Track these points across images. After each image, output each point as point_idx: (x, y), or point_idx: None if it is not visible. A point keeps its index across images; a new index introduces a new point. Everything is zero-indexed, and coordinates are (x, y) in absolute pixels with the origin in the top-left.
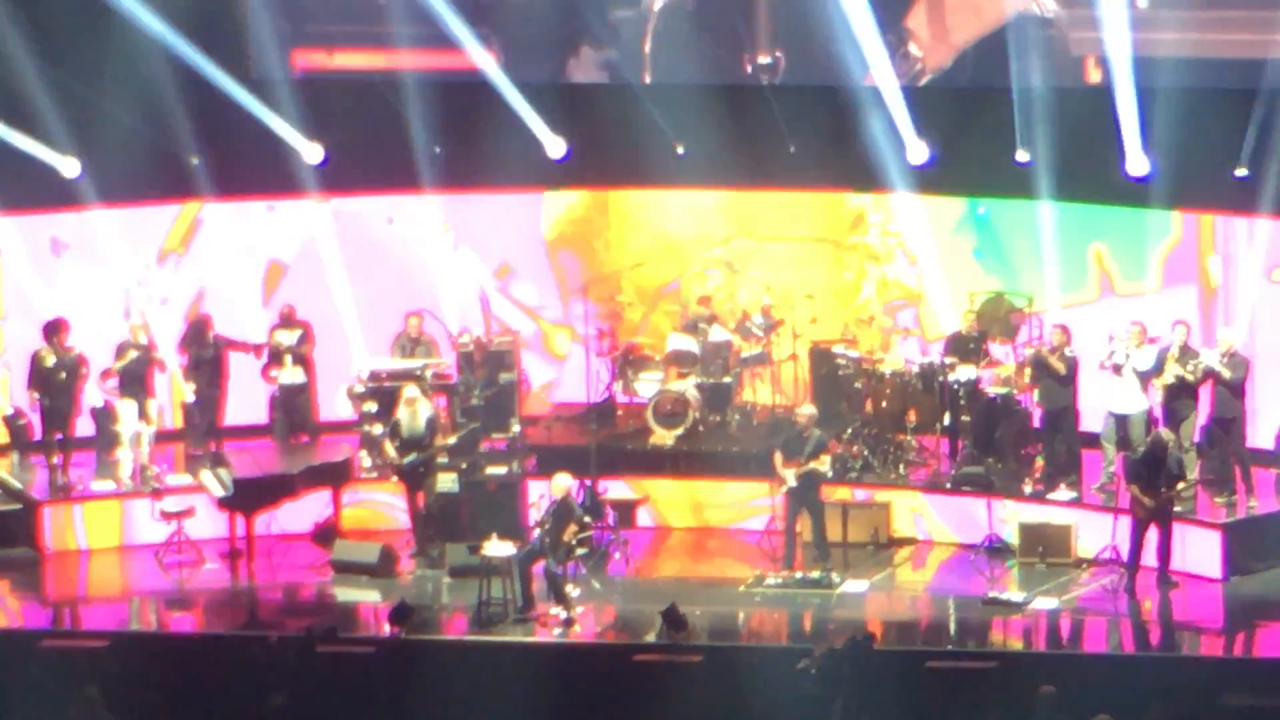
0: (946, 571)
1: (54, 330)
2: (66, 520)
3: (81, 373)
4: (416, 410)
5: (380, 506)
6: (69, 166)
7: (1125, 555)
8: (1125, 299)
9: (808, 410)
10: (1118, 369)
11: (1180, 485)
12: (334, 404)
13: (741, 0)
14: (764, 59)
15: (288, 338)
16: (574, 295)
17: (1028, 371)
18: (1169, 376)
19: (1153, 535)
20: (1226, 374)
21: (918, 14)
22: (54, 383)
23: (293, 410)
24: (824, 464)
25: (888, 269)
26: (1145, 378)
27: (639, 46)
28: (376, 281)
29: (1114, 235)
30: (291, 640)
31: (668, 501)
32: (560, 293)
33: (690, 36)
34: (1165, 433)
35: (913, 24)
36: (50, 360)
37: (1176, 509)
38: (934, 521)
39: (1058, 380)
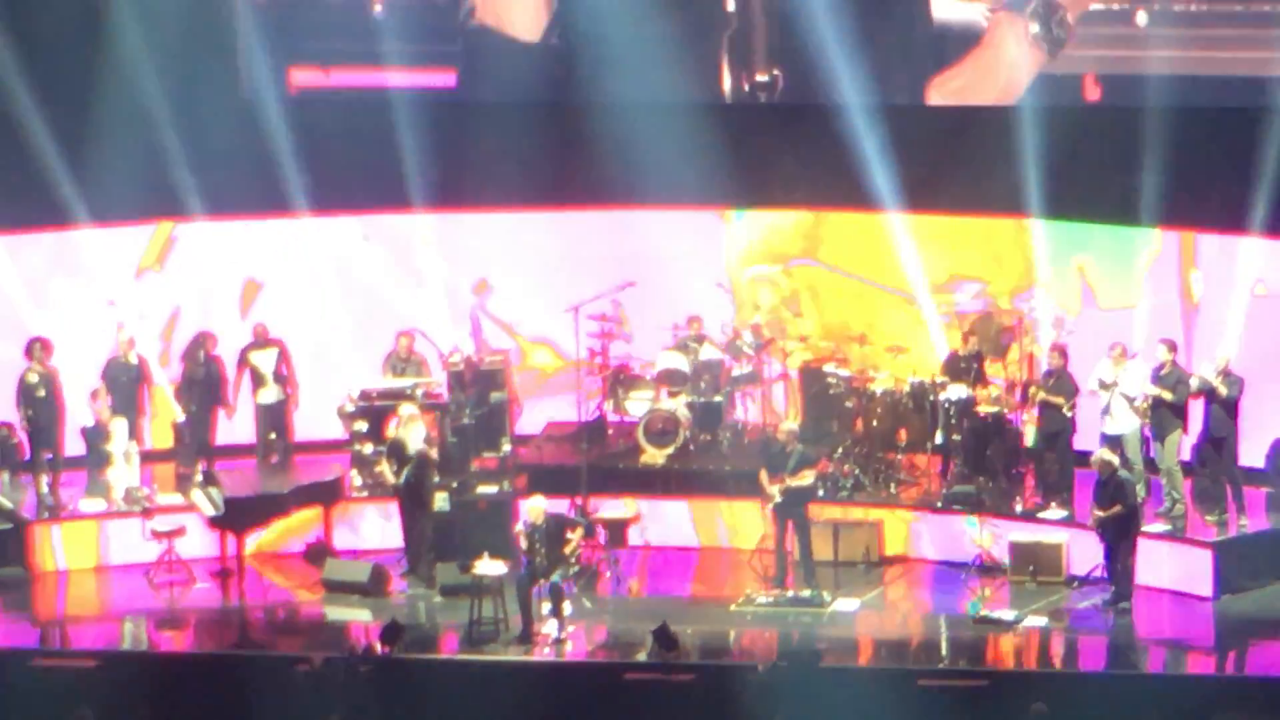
0: (938, 590)
1: (36, 349)
2: (45, 540)
3: (61, 390)
4: (414, 430)
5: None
6: None
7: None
8: (1108, 313)
9: (788, 426)
10: (1104, 386)
11: (1116, 508)
12: (315, 422)
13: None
14: (762, 77)
15: (264, 358)
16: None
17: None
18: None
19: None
20: (1224, 391)
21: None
22: (40, 402)
23: (274, 428)
24: (806, 479)
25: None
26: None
27: None
28: (355, 299)
29: (1097, 249)
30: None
31: (660, 520)
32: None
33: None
34: (1106, 452)
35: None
36: (35, 379)
37: (1167, 528)
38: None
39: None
